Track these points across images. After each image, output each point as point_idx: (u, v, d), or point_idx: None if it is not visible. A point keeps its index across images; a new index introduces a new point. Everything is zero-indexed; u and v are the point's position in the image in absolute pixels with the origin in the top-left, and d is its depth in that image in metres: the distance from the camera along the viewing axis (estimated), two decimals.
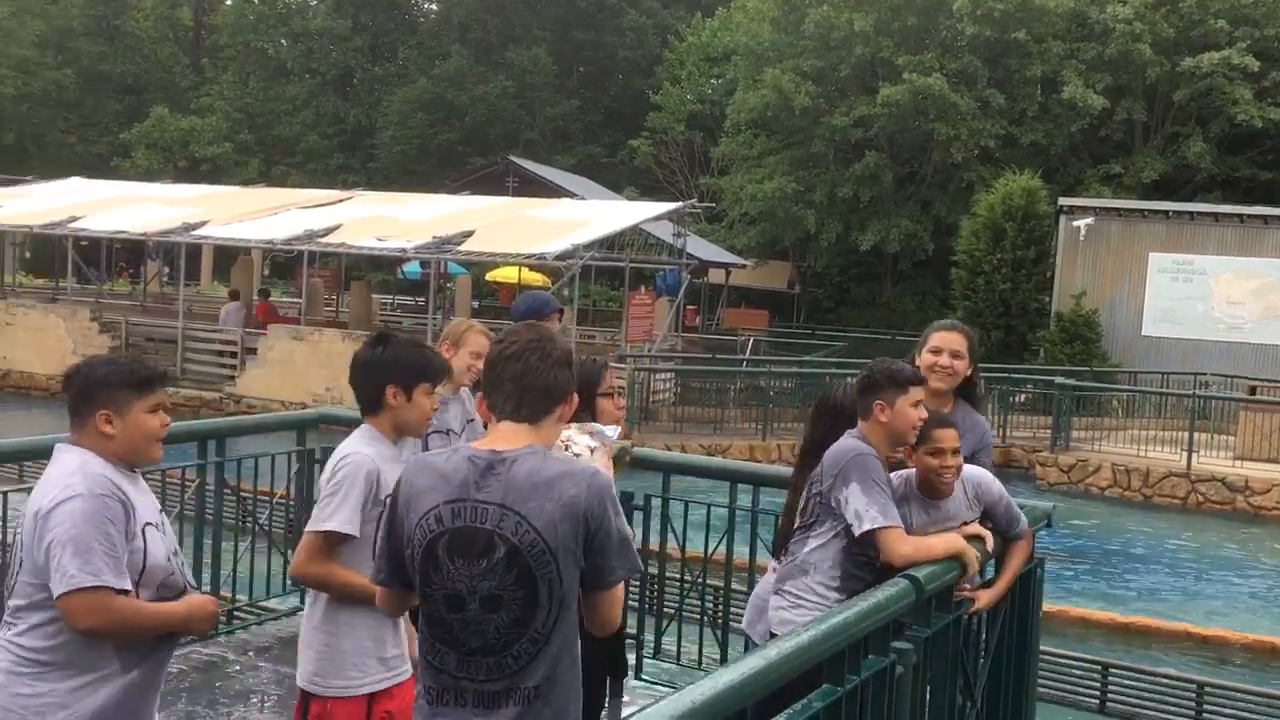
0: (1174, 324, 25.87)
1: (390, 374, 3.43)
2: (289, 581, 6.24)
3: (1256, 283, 25.62)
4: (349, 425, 6.59)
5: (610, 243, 24.93)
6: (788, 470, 5.08)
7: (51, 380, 24.15)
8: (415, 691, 2.64)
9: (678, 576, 6.03)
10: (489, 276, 37.35)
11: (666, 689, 5.33)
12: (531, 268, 31.63)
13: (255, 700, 5.32)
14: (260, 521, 6.41)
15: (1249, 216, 26.17)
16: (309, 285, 27.74)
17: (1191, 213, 26.89)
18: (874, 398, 3.73)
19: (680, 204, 27.65)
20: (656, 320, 26.27)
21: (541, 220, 24.15)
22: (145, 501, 3.03)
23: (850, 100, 37.19)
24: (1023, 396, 21.86)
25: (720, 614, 5.88)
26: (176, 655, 5.54)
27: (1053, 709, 8.02)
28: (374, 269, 40.34)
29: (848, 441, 3.71)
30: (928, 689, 3.58)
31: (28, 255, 37.10)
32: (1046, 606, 5.56)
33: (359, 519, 3.26)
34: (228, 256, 31.56)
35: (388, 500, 2.75)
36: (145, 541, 2.94)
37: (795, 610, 3.66)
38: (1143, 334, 26.16)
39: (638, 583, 5.68)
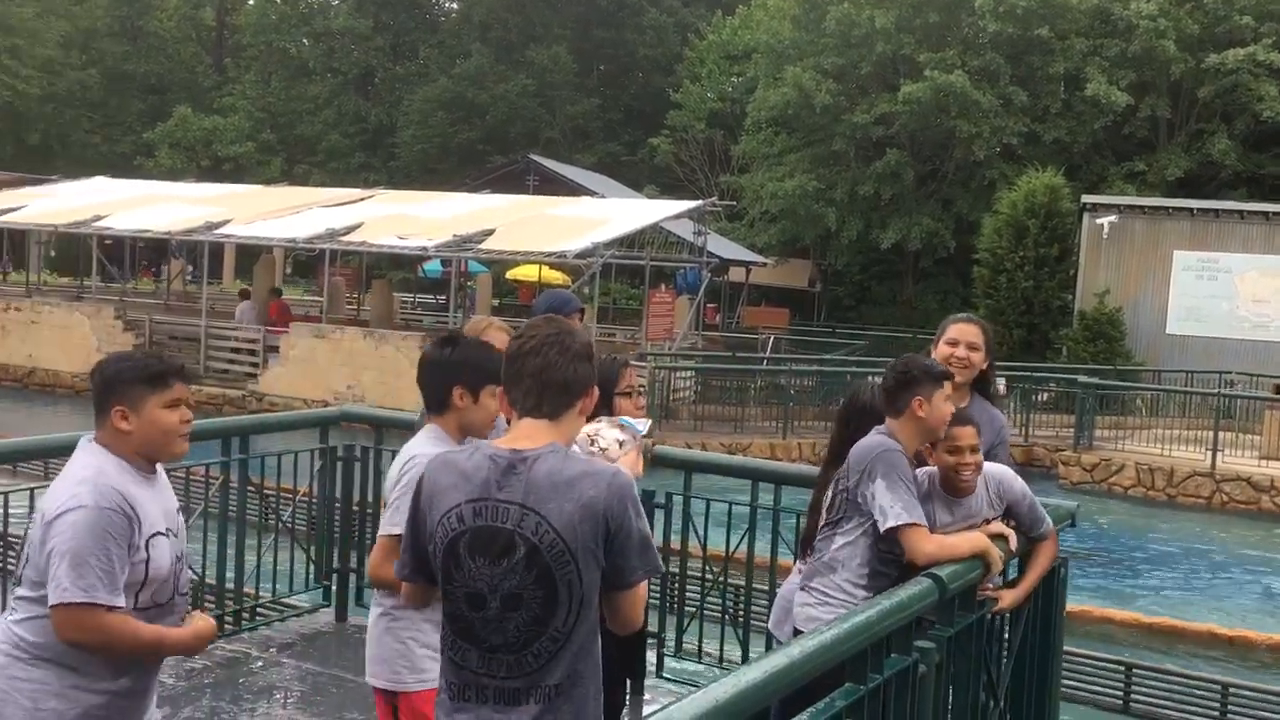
0: (1199, 322, 25.67)
1: (457, 375, 3.45)
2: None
3: None
4: (371, 423, 6.65)
5: (630, 241, 24.92)
6: (809, 469, 5.07)
7: (76, 378, 24.35)
8: (438, 687, 2.65)
9: (699, 575, 6.02)
10: (509, 275, 37.41)
11: (688, 687, 5.33)
12: (552, 266, 31.66)
13: (278, 696, 5.34)
14: (283, 518, 6.44)
15: (1274, 214, 25.93)
16: (330, 284, 27.89)
17: (1216, 210, 26.68)
18: (914, 393, 3.70)
19: (700, 202, 27.62)
20: (677, 318, 26.26)
21: (562, 218, 24.18)
22: (158, 507, 3.04)
23: (871, 98, 37.08)
24: (1045, 395, 21.74)
25: (741, 612, 5.87)
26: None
27: (1076, 709, 7.98)
28: (395, 267, 40.47)
29: (874, 438, 3.69)
30: (950, 688, 3.56)
31: (53, 254, 37.38)
32: (1070, 606, 5.52)
33: None
34: (250, 255, 31.73)
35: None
36: (150, 552, 2.94)
37: (822, 607, 3.66)
38: (1167, 332, 25.96)
39: (659, 581, 5.68)
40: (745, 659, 5.35)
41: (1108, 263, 26.42)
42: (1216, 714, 8.12)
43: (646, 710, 4.87)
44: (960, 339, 4.30)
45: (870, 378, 4.00)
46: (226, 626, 5.90)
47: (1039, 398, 21.40)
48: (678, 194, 39.01)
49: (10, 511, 5.14)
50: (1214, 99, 34.41)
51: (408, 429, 5.77)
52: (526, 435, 2.56)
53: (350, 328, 23.53)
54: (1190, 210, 26.68)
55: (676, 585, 5.81)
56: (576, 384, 2.58)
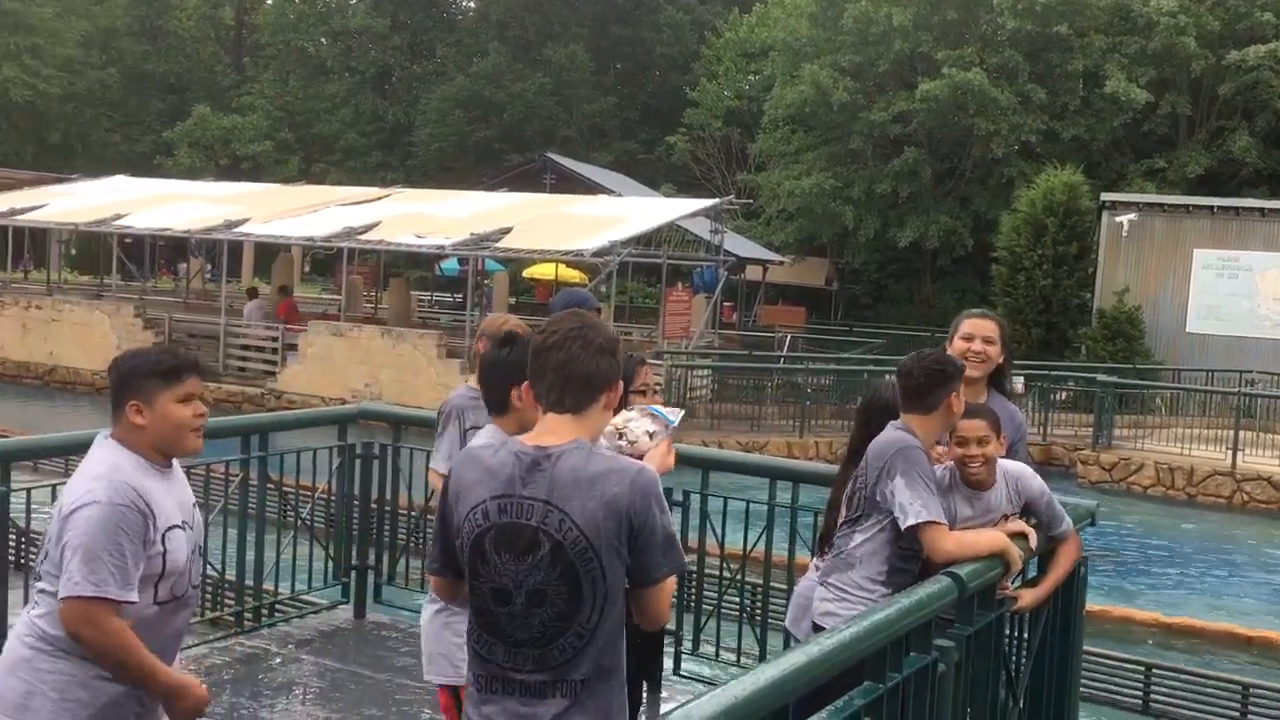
0: (1219, 321, 25.51)
1: (515, 375, 3.43)
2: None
3: None
4: (389, 421, 6.67)
5: (647, 239, 24.92)
6: (827, 467, 5.06)
7: (97, 376, 24.50)
8: (466, 679, 2.66)
9: (716, 573, 6.02)
10: (526, 273, 37.46)
11: (705, 685, 5.33)
12: (569, 264, 31.69)
13: (297, 692, 5.37)
14: (302, 516, 6.46)
15: None
16: (348, 282, 27.98)
17: (1237, 208, 26.50)
18: (949, 389, 3.69)
19: (717, 200, 27.60)
20: (694, 317, 26.24)
21: (578, 217, 24.20)
22: (173, 500, 3.06)
23: (889, 95, 36.97)
24: (1064, 394, 21.64)
25: (759, 611, 5.87)
26: (218, 648, 5.64)
27: (1095, 709, 7.94)
28: (412, 266, 40.57)
29: (892, 434, 3.67)
30: (970, 687, 3.55)
31: (73, 252, 37.63)
32: (1089, 606, 5.50)
33: None
34: (268, 253, 31.86)
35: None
36: (166, 545, 2.97)
37: (839, 603, 3.65)
38: (1187, 331, 25.81)
39: (676, 579, 5.67)
40: (763, 657, 5.34)
41: (1127, 261, 26.28)
42: (1237, 714, 8.07)
43: (664, 709, 4.87)
44: (975, 333, 4.28)
45: (888, 376, 3.97)
46: (246, 623, 5.94)
47: (1057, 396, 21.31)
48: (694, 192, 38.97)
49: (31, 507, 5.19)
50: (1235, 96, 34.18)
51: (426, 426, 5.80)
52: (551, 431, 2.56)
53: (368, 326, 23.62)
54: (1210, 208, 26.51)
55: (694, 583, 5.82)
56: (599, 378, 2.57)
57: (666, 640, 5.31)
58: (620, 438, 2.84)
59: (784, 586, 5.69)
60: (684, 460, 5.53)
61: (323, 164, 52.57)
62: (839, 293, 42.24)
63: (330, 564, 6.48)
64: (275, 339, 23.29)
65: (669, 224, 26.02)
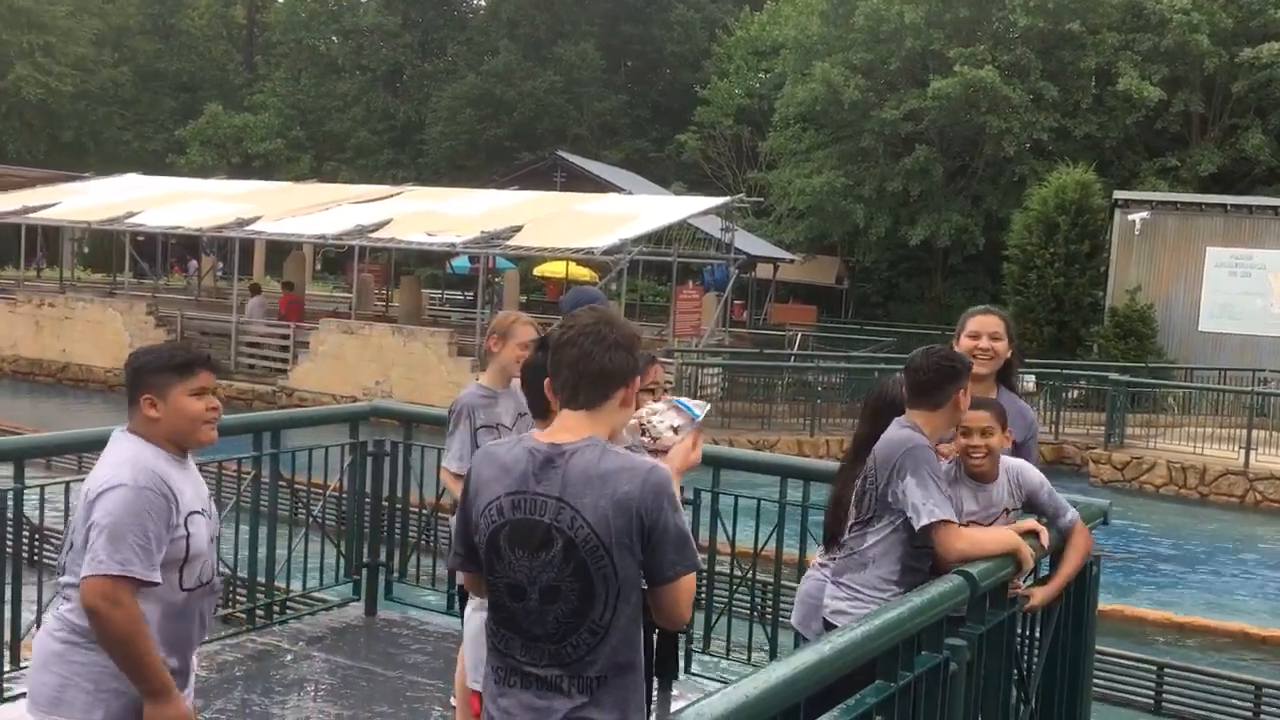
0: (1232, 319, 25.40)
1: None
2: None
3: None
4: (400, 419, 6.68)
5: (658, 237, 24.91)
6: (838, 465, 5.04)
7: (109, 373, 24.60)
8: (485, 672, 2.69)
9: (727, 571, 6.01)
10: (536, 271, 37.49)
11: (716, 683, 5.33)
12: (579, 262, 31.70)
13: (309, 689, 5.38)
14: (313, 513, 6.48)
15: None
16: (359, 280, 28.02)
17: (1250, 206, 26.38)
18: (957, 386, 3.69)
19: (728, 198, 27.58)
20: (704, 315, 26.22)
21: (589, 215, 24.20)
22: (193, 489, 3.12)
23: (900, 93, 36.89)
24: (1076, 393, 21.57)
25: (769, 609, 5.86)
26: (230, 645, 5.66)
27: (1108, 708, 7.92)
28: (423, 264, 40.63)
29: (899, 433, 3.65)
30: (982, 686, 3.54)
31: (86, 250, 37.78)
32: (1101, 605, 5.48)
33: None
34: (280, 251, 31.94)
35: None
36: (189, 529, 3.04)
37: (852, 603, 3.65)
38: (1199, 329, 25.71)
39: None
40: (774, 655, 5.34)
41: (1139, 259, 26.19)
42: (1249, 714, 8.05)
43: (675, 706, 4.87)
44: (982, 330, 4.27)
45: (898, 375, 3.96)
46: (258, 619, 5.96)
47: (1069, 395, 21.24)
48: (705, 190, 38.94)
49: (45, 504, 5.21)
50: (1248, 94, 34.03)
51: (437, 424, 5.81)
52: (566, 428, 2.57)
53: (379, 324, 23.66)
54: (1224, 206, 26.39)
55: (704, 582, 5.81)
56: (613, 374, 2.57)
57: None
58: (643, 433, 2.79)
59: (794, 585, 5.67)
60: None
61: (334, 162, 52.69)
62: (850, 291, 42.18)
63: (341, 561, 6.49)
64: (286, 337, 23.36)
65: (679, 222, 26.01)
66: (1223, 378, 22.99)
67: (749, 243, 33.72)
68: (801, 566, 5.45)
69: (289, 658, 5.68)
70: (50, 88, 49.38)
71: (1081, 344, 26.48)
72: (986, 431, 3.79)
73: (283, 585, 6.23)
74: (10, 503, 4.80)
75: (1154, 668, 8.36)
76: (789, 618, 4.35)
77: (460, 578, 4.69)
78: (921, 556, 3.63)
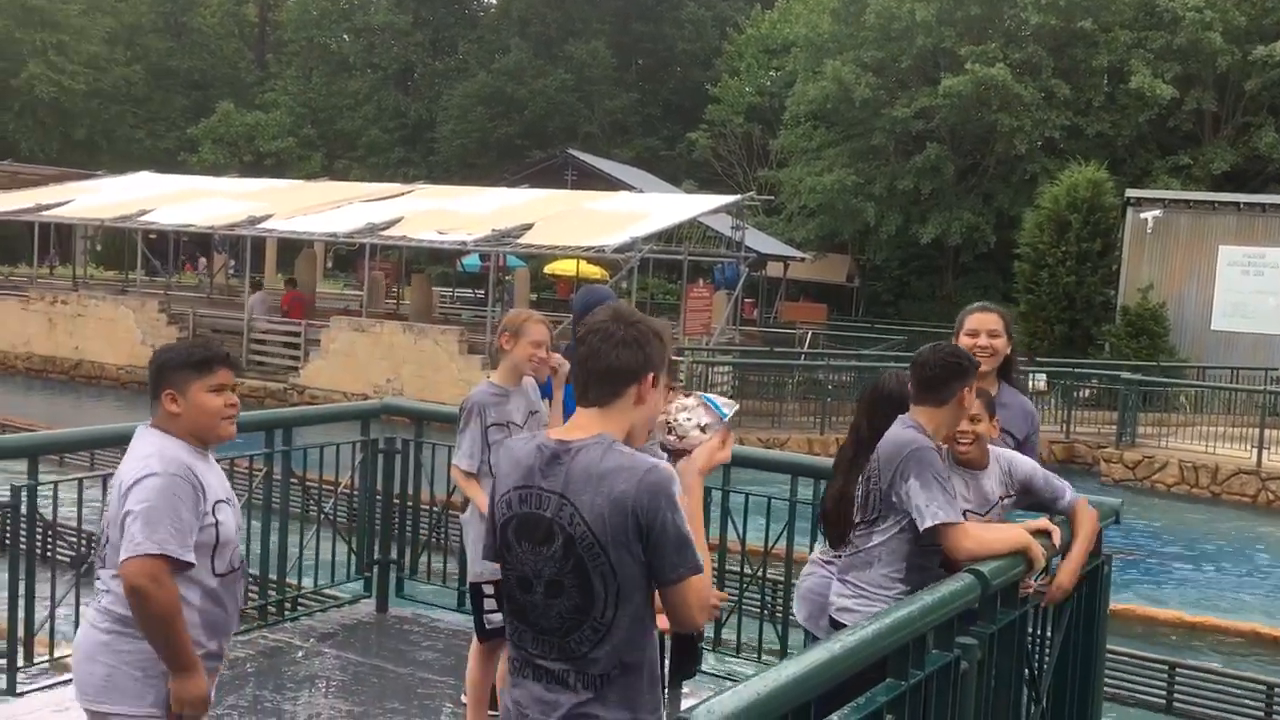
0: (1245, 318, 25.29)
1: None
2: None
3: None
4: (411, 416, 6.70)
5: (668, 235, 24.91)
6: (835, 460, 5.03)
7: (122, 370, 24.71)
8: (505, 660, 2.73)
9: (737, 569, 6.02)
10: (547, 269, 37.51)
11: (726, 681, 5.33)
12: (590, 260, 31.71)
13: (320, 685, 5.40)
14: (325, 510, 6.50)
15: None
16: (370, 278, 28.08)
17: (1263, 204, 26.24)
18: (963, 383, 3.68)
19: (739, 197, 27.56)
20: (714, 313, 26.21)
21: (600, 213, 24.21)
22: (216, 479, 3.25)
23: (911, 91, 36.81)
24: (1087, 392, 21.51)
25: (780, 607, 5.87)
26: (241, 641, 5.67)
27: (1119, 708, 7.91)
28: (434, 262, 40.70)
29: (903, 434, 3.64)
30: (992, 685, 3.54)
31: (98, 248, 37.92)
32: (1112, 605, 5.47)
33: None
34: (291, 249, 32.00)
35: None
36: (218, 516, 3.17)
37: (858, 600, 3.66)
38: (1212, 328, 25.60)
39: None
40: (784, 653, 5.34)
41: (1151, 258, 26.08)
42: (1261, 714, 8.02)
43: (685, 704, 4.88)
44: (980, 328, 4.27)
45: (894, 369, 3.97)
46: (269, 616, 5.98)
47: (1080, 394, 21.18)
48: (716, 189, 38.93)
49: (57, 501, 5.23)
50: (1261, 91, 33.87)
51: (447, 422, 5.82)
52: (579, 425, 2.59)
53: (390, 322, 23.71)
54: (1237, 204, 26.27)
55: (715, 580, 5.81)
56: (620, 371, 2.57)
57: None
58: (669, 431, 2.75)
59: None
60: None
61: (345, 160, 52.78)
62: (860, 289, 42.11)
63: (353, 558, 6.51)
64: (297, 334, 23.43)
65: (690, 220, 26.01)
66: (1235, 377, 22.88)
67: (759, 241, 33.69)
68: None
69: (300, 654, 5.70)
70: (63, 86, 49.56)
71: (1093, 343, 26.39)
72: (974, 418, 3.80)
73: (294, 582, 6.26)
74: (24, 499, 4.83)
75: (1165, 667, 8.34)
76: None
77: (470, 575, 4.72)
78: (928, 555, 3.63)
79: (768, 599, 6.24)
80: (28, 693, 4.88)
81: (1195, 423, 19.88)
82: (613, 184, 33.14)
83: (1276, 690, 8.04)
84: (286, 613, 6.10)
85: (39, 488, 4.91)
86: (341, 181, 36.85)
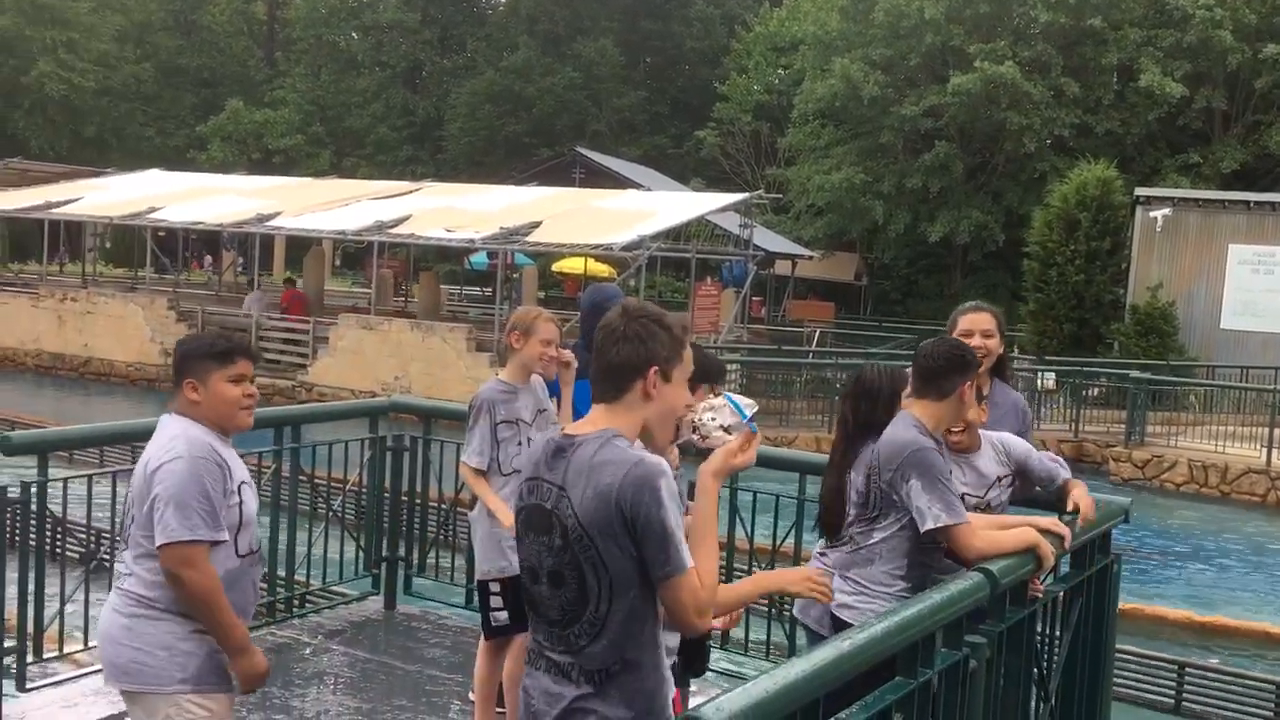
0: (1255, 317, 25.20)
1: (695, 379, 3.45)
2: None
3: None
4: (419, 414, 6.70)
5: (676, 234, 24.91)
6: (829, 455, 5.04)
7: (131, 367, 24.77)
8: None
9: (745, 568, 6.01)
10: (555, 267, 37.53)
11: (734, 679, 5.33)
12: (598, 258, 31.73)
13: (328, 682, 5.40)
14: (333, 507, 6.51)
15: None
16: (378, 276, 28.11)
17: (1273, 203, 26.14)
18: (965, 378, 3.68)
19: (747, 195, 27.55)
20: (722, 311, 26.20)
21: (608, 211, 24.22)
22: (237, 464, 3.36)
23: (920, 89, 36.74)
24: (1096, 390, 21.46)
25: (788, 605, 5.85)
26: (250, 638, 5.68)
27: (1127, 708, 7.89)
28: (442, 260, 40.73)
29: (905, 434, 3.63)
30: (1001, 684, 3.53)
31: (108, 245, 38.02)
32: (1121, 604, 5.46)
33: None
34: (300, 247, 32.09)
35: None
36: (242, 496, 3.29)
37: (858, 597, 3.66)
38: (1221, 327, 25.52)
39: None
40: (792, 651, 5.34)
41: (1161, 256, 26.01)
42: (1271, 715, 8.00)
43: (694, 702, 4.88)
44: (974, 328, 4.28)
45: (877, 362, 3.99)
46: (278, 613, 5.99)
47: (1089, 393, 21.13)
48: (724, 187, 38.90)
49: (66, 498, 5.25)
50: (1271, 90, 33.75)
51: (456, 420, 5.82)
52: (589, 420, 2.61)
53: (398, 319, 23.73)
54: (1246, 203, 26.18)
55: (722, 578, 5.80)
56: (621, 367, 2.57)
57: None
58: (694, 431, 2.69)
59: None
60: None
61: (353, 158, 52.84)
62: (868, 288, 42.05)
63: (361, 555, 6.52)
64: (301, 332, 23.47)
65: (698, 218, 25.99)
66: (1245, 376, 22.82)
67: (767, 239, 33.67)
68: None
69: (308, 651, 5.71)
70: (73, 84, 49.68)
71: (1102, 341, 26.32)
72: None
73: (302, 579, 6.27)
74: (34, 495, 4.84)
75: (1174, 667, 8.31)
76: None
77: (477, 573, 4.72)
78: (929, 552, 3.63)
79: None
80: (37, 688, 4.89)
81: (1205, 422, 19.82)
82: (621, 182, 33.14)
83: None
84: (295, 610, 6.11)
85: (48, 484, 4.92)
86: (349, 179, 36.90)
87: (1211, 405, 20.84)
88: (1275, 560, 14.79)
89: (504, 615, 4.52)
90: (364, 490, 6.58)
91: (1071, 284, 26.08)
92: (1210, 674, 8.34)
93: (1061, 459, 4.15)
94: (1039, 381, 21.43)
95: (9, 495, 4.64)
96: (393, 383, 21.40)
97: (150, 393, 23.82)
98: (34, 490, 4.83)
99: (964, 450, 3.91)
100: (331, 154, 53.43)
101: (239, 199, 27.41)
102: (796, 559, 5.64)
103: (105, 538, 6.34)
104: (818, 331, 30.43)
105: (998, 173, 37.48)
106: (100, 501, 5.35)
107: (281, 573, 6.00)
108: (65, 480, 5.18)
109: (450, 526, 7.09)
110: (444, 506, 6.79)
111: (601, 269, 34.09)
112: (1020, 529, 3.67)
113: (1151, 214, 26.13)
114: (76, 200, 28.42)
